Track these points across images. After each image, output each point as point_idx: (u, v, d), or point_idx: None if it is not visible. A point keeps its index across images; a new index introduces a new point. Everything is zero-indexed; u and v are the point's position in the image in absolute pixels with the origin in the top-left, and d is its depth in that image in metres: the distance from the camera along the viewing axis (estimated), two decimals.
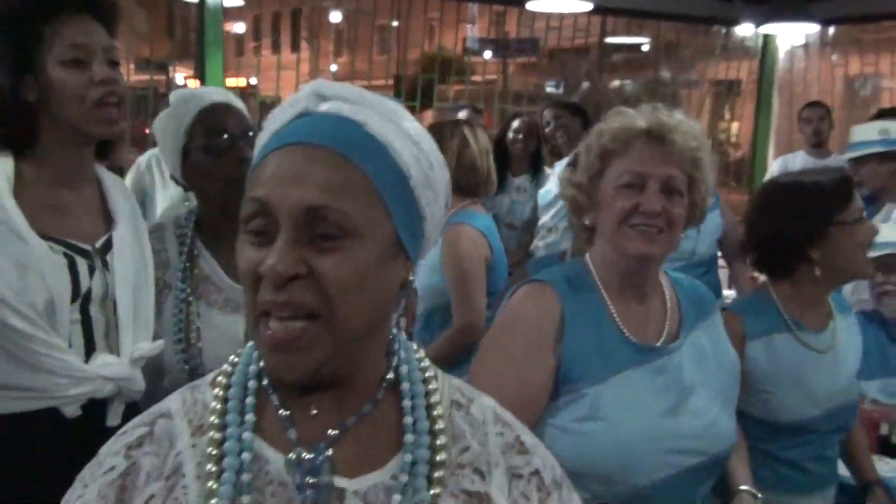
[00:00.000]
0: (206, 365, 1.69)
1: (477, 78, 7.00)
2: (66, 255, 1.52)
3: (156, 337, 1.65)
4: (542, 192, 4.17)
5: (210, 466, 0.84)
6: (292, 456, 0.84)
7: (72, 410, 1.50)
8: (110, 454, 0.88)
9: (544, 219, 4.00)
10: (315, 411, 0.86)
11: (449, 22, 6.06)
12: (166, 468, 0.85)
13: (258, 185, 0.82)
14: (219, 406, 0.88)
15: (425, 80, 6.33)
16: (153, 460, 0.85)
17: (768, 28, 5.53)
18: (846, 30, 8.66)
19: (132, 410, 1.53)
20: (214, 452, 0.84)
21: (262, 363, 0.88)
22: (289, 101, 0.87)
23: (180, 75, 8.63)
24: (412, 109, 4.68)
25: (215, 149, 1.75)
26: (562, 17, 6.48)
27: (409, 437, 0.87)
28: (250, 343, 0.91)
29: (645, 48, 9.46)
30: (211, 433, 0.86)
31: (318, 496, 0.84)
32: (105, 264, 1.58)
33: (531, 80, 8.09)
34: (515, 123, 4.47)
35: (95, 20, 1.56)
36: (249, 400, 0.87)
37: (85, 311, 1.54)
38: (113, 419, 1.55)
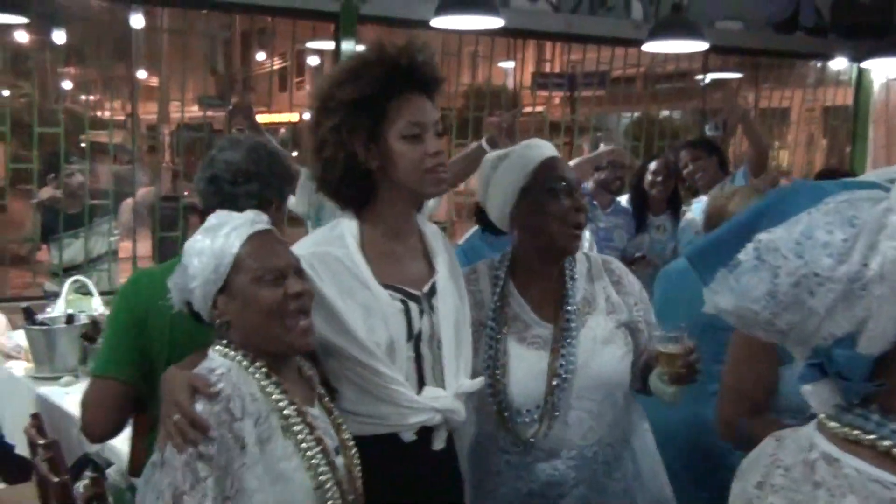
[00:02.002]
0: (513, 398, 1.87)
1: (529, 109, 7.10)
2: (401, 300, 1.76)
3: (474, 373, 1.83)
4: (681, 227, 4.36)
5: None
6: None
7: (408, 436, 1.74)
8: None
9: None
10: None
11: (497, 56, 6.20)
12: None
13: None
14: None
15: (474, 115, 6.47)
16: None
17: (868, 63, 5.64)
18: None
19: (452, 436, 1.82)
20: None
21: None
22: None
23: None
24: (462, 147, 4.80)
25: (556, 191, 1.92)
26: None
27: None
28: None
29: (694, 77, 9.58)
30: None
31: None
32: (431, 307, 1.79)
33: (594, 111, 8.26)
34: (653, 165, 4.53)
35: (426, 97, 1.79)
36: None
37: (417, 350, 1.77)
38: (438, 444, 1.78)
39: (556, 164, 1.96)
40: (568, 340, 1.87)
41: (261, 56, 13.67)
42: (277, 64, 11.94)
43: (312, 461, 1.54)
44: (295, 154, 5.58)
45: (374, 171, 1.76)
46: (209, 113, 6.71)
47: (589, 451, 1.88)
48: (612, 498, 1.89)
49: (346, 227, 1.79)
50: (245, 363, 1.56)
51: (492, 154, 2.04)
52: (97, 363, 1.95)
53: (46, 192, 5.11)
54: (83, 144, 5.76)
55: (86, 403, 1.96)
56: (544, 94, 7.46)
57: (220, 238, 1.58)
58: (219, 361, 1.56)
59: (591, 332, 1.90)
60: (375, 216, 1.80)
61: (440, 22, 4.60)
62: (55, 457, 2.73)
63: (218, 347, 1.59)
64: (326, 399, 1.68)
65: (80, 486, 2.72)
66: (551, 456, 1.86)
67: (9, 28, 5.59)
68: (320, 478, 1.54)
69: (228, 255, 1.56)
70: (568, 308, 1.91)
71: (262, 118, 8.74)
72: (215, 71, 12.51)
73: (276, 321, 1.55)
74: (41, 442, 2.80)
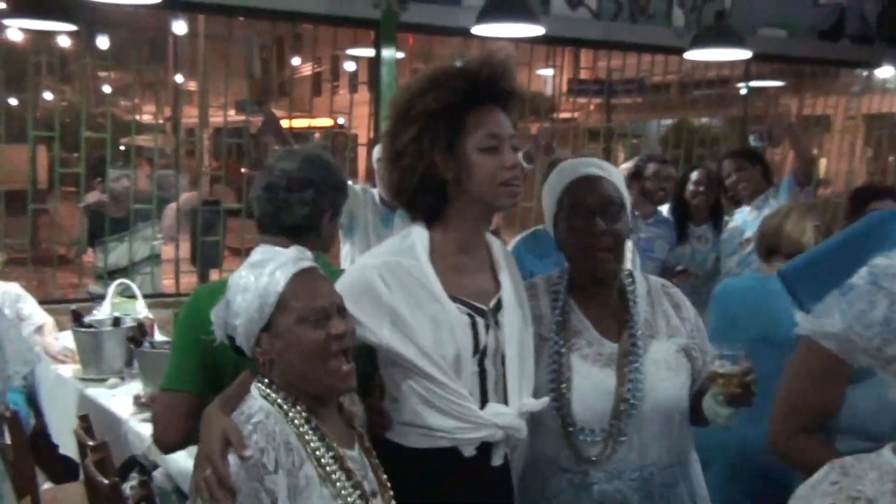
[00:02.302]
0: (577, 414, 1.84)
1: (566, 115, 7.08)
2: (469, 314, 1.75)
3: (535, 388, 1.82)
4: (723, 238, 4.34)
5: None
6: None
7: (469, 451, 1.72)
8: None
9: (729, 265, 4.16)
10: None
11: (535, 63, 6.20)
12: None
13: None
14: None
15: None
16: None
17: None
18: None
19: (507, 453, 1.79)
20: None
21: None
22: None
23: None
24: None
25: (579, 216, 1.87)
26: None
27: None
28: None
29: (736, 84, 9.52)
30: None
31: None
32: (496, 322, 1.78)
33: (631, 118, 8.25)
34: (695, 175, 4.49)
35: (503, 111, 1.79)
36: None
37: (481, 365, 1.75)
38: (496, 460, 1.76)
39: (585, 186, 1.90)
40: (634, 364, 1.85)
41: (296, 61, 13.80)
42: (312, 69, 12.04)
43: None
44: None
45: (449, 182, 1.76)
46: (247, 117, 6.79)
47: (648, 472, 1.85)
48: None
49: (418, 237, 1.79)
50: (285, 407, 1.55)
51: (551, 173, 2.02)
52: (166, 377, 1.97)
53: (93, 197, 5.19)
54: (122, 147, 5.84)
55: (157, 416, 1.99)
56: (581, 100, 7.45)
57: (264, 276, 1.56)
58: (257, 406, 1.55)
59: (654, 357, 1.87)
60: (447, 227, 1.80)
61: (481, 30, 4.61)
62: (105, 458, 2.77)
63: (260, 385, 1.59)
64: (367, 440, 1.67)
65: (128, 488, 2.76)
66: (614, 477, 1.83)
67: (52, 34, 5.69)
68: None
69: (273, 294, 1.54)
70: (632, 331, 1.89)
71: (297, 123, 8.85)
72: (252, 76, 12.65)
73: (318, 363, 1.54)
74: (91, 443, 2.84)
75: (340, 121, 7.60)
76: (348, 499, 1.53)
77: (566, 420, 1.84)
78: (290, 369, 1.56)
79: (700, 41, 5.01)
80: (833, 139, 7.98)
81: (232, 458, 1.47)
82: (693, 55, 5.10)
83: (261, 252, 1.63)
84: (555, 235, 1.96)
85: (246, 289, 1.56)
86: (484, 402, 1.75)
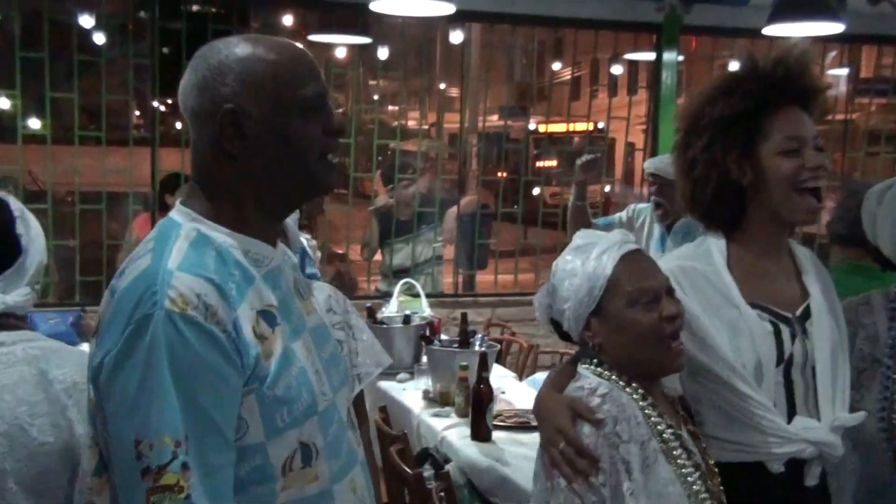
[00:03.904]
0: None
1: (841, 117, 6.56)
2: (771, 322, 1.68)
3: (853, 408, 1.71)
4: None
5: None
6: None
7: (776, 467, 1.65)
8: None
9: None
10: None
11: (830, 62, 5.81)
12: None
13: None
14: None
15: None
16: None
17: None
18: None
19: (825, 472, 1.70)
20: None
21: None
22: None
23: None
24: None
25: None
26: None
27: None
28: None
29: None
30: None
31: None
32: (805, 332, 1.70)
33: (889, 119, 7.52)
34: None
35: (804, 111, 1.72)
36: None
37: (787, 376, 1.68)
38: (811, 479, 1.67)
39: None
40: None
41: (556, 66, 13.92)
42: (572, 73, 12.06)
43: (694, 487, 1.51)
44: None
45: (745, 189, 1.70)
46: (508, 122, 6.92)
47: None
48: None
49: (714, 244, 1.75)
50: (621, 383, 1.55)
51: (875, 188, 1.90)
52: None
53: (381, 200, 5.53)
54: (390, 152, 6.16)
55: None
56: (863, 101, 6.87)
57: (591, 260, 1.57)
58: (596, 381, 1.55)
59: None
60: (745, 235, 1.74)
61: (774, 30, 4.37)
62: (405, 449, 2.93)
63: (591, 367, 1.60)
64: (691, 422, 1.64)
65: (430, 479, 2.88)
66: None
67: (331, 46, 6.11)
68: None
69: (602, 277, 1.55)
70: None
71: (555, 127, 8.90)
72: (514, 80, 12.92)
73: (651, 344, 1.54)
74: (392, 433, 3.01)
75: (601, 125, 7.57)
76: (688, 478, 1.52)
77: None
78: (621, 351, 1.56)
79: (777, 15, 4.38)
80: None
81: (586, 429, 1.48)
82: (772, 30, 4.49)
83: (583, 236, 1.65)
84: None
85: (573, 273, 1.58)
86: (791, 415, 1.65)
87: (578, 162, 3.82)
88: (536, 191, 6.74)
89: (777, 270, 1.74)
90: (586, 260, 1.58)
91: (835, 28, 4.29)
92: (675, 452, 1.52)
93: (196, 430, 1.10)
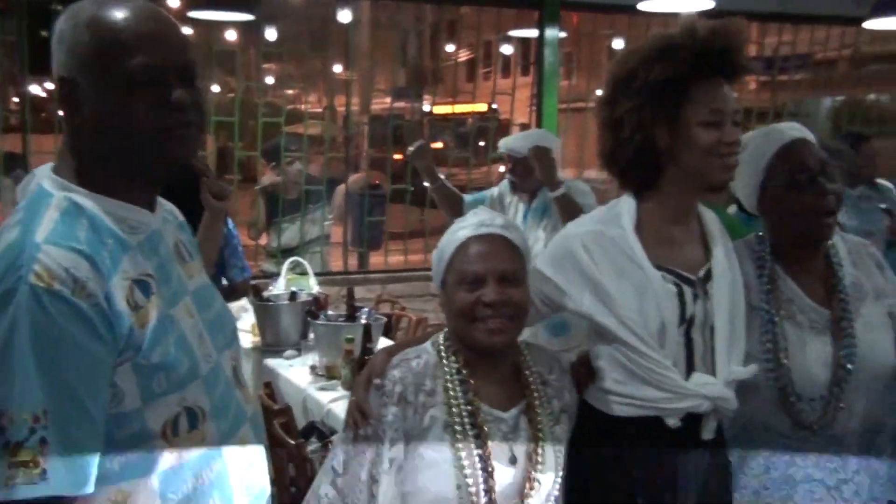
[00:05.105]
0: (797, 383, 1.80)
1: None
2: (675, 283, 1.74)
3: (746, 356, 1.78)
4: None
5: None
6: None
7: (673, 422, 1.71)
8: None
9: None
10: None
11: None
12: None
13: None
14: None
15: None
16: None
17: None
18: None
19: (722, 426, 1.78)
20: None
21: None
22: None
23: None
24: None
25: (797, 183, 1.84)
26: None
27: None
28: None
29: None
30: None
31: None
32: (706, 293, 1.76)
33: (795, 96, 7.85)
34: None
35: (728, 84, 1.74)
36: None
37: (688, 335, 1.74)
38: (707, 433, 1.74)
39: (794, 152, 1.85)
40: (848, 329, 1.80)
41: (450, 48, 13.94)
42: (465, 56, 12.13)
43: (464, 461, 1.60)
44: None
45: (663, 153, 1.74)
46: (402, 104, 6.93)
47: (870, 438, 1.82)
48: (893, 486, 1.82)
49: (625, 207, 1.79)
50: (444, 354, 1.69)
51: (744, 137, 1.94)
52: None
53: (268, 179, 5.45)
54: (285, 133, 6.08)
55: None
56: (747, 77, 7.14)
57: (449, 234, 1.74)
58: (422, 349, 1.72)
59: (865, 319, 1.83)
60: (657, 198, 1.78)
61: (649, 6, 4.50)
62: (289, 422, 2.92)
63: (440, 334, 1.75)
64: (539, 411, 1.69)
65: (308, 449, 2.89)
66: (833, 442, 1.80)
67: (219, 27, 5.98)
68: (467, 479, 1.59)
69: (447, 252, 1.71)
70: (841, 294, 1.84)
71: (451, 108, 8.94)
72: (408, 63, 12.90)
73: (467, 322, 1.66)
74: (276, 408, 3.00)
75: (494, 106, 7.64)
76: (462, 452, 1.60)
77: (786, 389, 1.79)
78: (450, 323, 1.71)
79: (882, 8, 4.69)
80: None
81: (372, 388, 1.66)
82: (874, 24, 4.79)
83: (474, 213, 1.76)
84: (759, 208, 1.91)
85: (439, 244, 1.75)
86: (690, 372, 1.73)
87: (408, 150, 3.83)
88: None
89: (684, 234, 1.80)
90: (450, 233, 1.72)
91: (706, 4, 4.44)
92: (456, 427, 1.62)
93: (56, 404, 1.09)
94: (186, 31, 6.25)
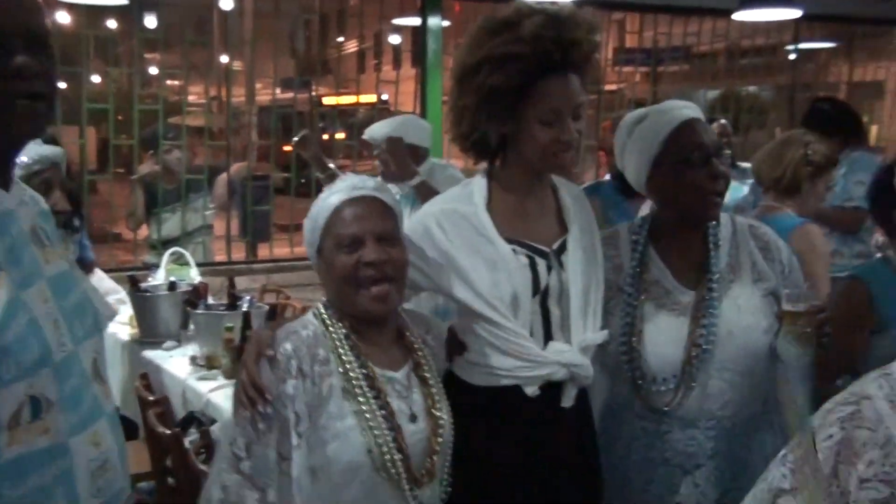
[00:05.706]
0: (649, 364, 1.84)
1: (613, 87, 7.01)
2: (527, 256, 1.77)
3: (610, 340, 1.83)
4: None
5: None
6: None
7: (532, 390, 1.75)
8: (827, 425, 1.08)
9: None
10: None
11: None
12: (879, 438, 1.04)
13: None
14: None
15: None
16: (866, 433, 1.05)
17: None
18: None
19: (583, 395, 1.82)
20: None
21: None
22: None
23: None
24: None
25: (690, 161, 1.84)
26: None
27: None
28: None
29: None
30: None
31: None
32: (561, 264, 1.80)
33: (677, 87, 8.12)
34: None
35: (575, 76, 1.73)
36: None
37: (544, 305, 1.78)
38: (567, 401, 1.78)
39: (689, 131, 1.85)
40: (709, 309, 1.82)
41: (340, 38, 13.86)
42: (356, 46, 12.09)
43: (370, 423, 1.58)
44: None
45: (507, 136, 1.77)
46: (291, 94, 6.85)
47: (728, 422, 1.83)
48: (752, 472, 1.81)
49: (476, 185, 1.83)
50: (328, 322, 1.66)
51: (629, 117, 1.97)
52: None
53: (146, 168, 5.31)
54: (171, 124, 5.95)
55: None
56: (627, 70, 7.38)
57: (321, 200, 1.68)
58: (306, 321, 1.68)
59: (734, 301, 1.84)
60: (506, 175, 1.83)
61: None
62: (165, 412, 2.87)
63: (319, 304, 1.71)
64: (426, 369, 1.71)
65: (187, 441, 2.84)
66: (688, 425, 1.83)
67: (101, 15, 5.79)
68: (377, 440, 1.57)
69: (322, 218, 1.66)
70: (710, 275, 1.85)
71: (340, 100, 8.90)
72: (296, 53, 12.73)
73: (349, 287, 1.63)
74: (151, 398, 2.94)
75: (385, 97, 7.64)
76: (366, 415, 1.59)
77: (636, 373, 1.84)
78: (332, 291, 1.67)
79: (749, 1, 4.91)
80: (885, 104, 7.81)
81: (263, 364, 1.58)
82: (742, 16, 5.01)
83: (341, 178, 1.74)
84: (649, 186, 1.91)
85: (309, 215, 1.69)
86: (548, 342, 1.77)
87: (293, 140, 3.84)
88: None
89: (537, 209, 1.84)
90: (321, 200, 1.67)
91: None
92: (356, 391, 1.60)
93: None
94: (63, 17, 6.05)
